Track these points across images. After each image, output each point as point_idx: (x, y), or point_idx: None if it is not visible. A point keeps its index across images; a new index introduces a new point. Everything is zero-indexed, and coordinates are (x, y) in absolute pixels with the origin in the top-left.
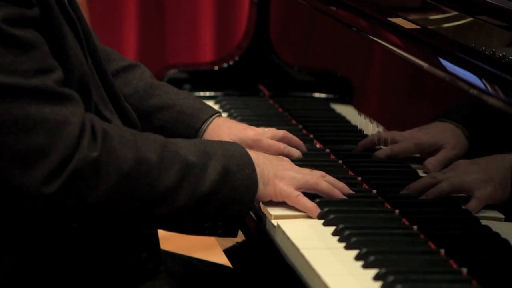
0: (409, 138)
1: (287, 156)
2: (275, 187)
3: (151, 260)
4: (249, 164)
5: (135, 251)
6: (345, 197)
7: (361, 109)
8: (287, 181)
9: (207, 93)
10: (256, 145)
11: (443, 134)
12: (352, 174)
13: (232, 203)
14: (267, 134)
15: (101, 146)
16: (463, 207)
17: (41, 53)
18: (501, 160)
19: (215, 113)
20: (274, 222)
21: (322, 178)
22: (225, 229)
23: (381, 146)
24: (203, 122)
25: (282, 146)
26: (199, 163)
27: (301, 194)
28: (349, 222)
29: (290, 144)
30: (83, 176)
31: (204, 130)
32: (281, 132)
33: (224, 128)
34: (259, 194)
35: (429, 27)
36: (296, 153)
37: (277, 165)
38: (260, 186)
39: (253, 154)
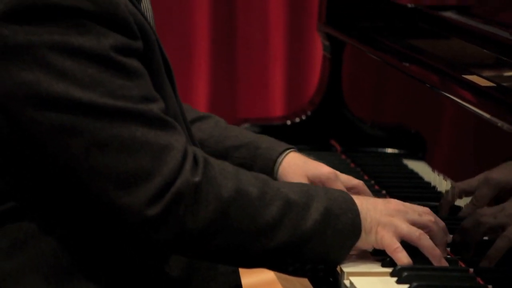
0: (485, 181)
1: None
2: (377, 234)
3: None
4: (353, 210)
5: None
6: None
7: (434, 166)
8: (390, 228)
9: None
10: (330, 183)
11: None
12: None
13: (334, 247)
14: (342, 176)
15: (203, 172)
16: None
17: (146, 82)
18: None
19: (291, 147)
20: (347, 282)
21: (430, 223)
22: (325, 273)
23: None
24: (280, 154)
25: (355, 182)
26: (301, 202)
27: (400, 247)
28: (423, 280)
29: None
30: (184, 200)
31: (280, 162)
32: (356, 181)
33: (300, 161)
34: (361, 240)
35: (503, 84)
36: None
37: (381, 210)
38: (362, 232)
39: (357, 199)
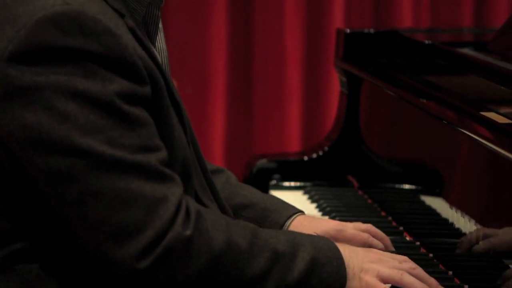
0: (508, 232)
1: (370, 247)
2: (361, 280)
3: None
4: (338, 258)
5: None
6: None
7: (451, 202)
8: (372, 273)
9: (297, 183)
10: (339, 235)
11: None
12: (443, 268)
13: None
14: (350, 225)
15: (194, 225)
16: None
17: (148, 131)
18: None
19: (298, 211)
20: None
21: (411, 270)
22: None
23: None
24: (287, 218)
25: (366, 236)
26: (288, 252)
27: (386, 287)
28: None
29: (374, 237)
30: (175, 253)
31: (288, 227)
32: (365, 225)
33: (306, 223)
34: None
35: None
36: (379, 245)
37: (363, 257)
38: (347, 280)
39: (340, 247)
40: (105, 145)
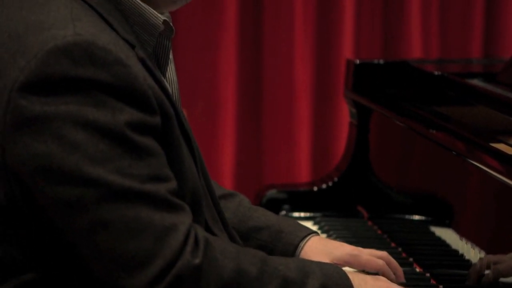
0: None
1: (383, 276)
2: None
3: None
4: (348, 286)
5: None
6: None
7: (461, 233)
8: None
9: (306, 214)
10: (354, 260)
11: None
12: None
13: None
14: (365, 251)
15: (203, 254)
16: None
17: (158, 161)
18: None
19: (312, 232)
20: None
21: None
22: None
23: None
24: (301, 239)
25: (381, 262)
26: (298, 280)
27: None
28: None
29: (388, 266)
30: (185, 281)
31: (302, 247)
32: (380, 252)
33: (320, 245)
34: None
35: None
36: (391, 275)
37: (372, 286)
38: None
39: (349, 275)
40: (114, 174)
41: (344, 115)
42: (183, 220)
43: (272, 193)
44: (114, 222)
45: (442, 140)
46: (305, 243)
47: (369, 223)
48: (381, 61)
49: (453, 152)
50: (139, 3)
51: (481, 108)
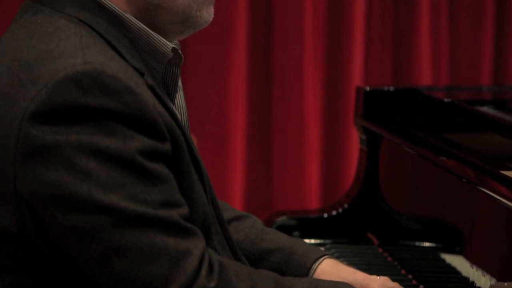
0: None
1: None
2: None
3: None
4: None
5: None
6: None
7: (472, 260)
8: None
9: (317, 241)
10: None
11: None
12: None
13: None
14: (377, 281)
15: (218, 277)
16: None
17: (169, 187)
18: None
19: (325, 254)
20: None
21: None
22: None
23: None
24: (314, 262)
25: (392, 284)
26: None
27: None
28: None
29: None
30: None
31: (315, 270)
32: (393, 283)
33: (333, 269)
34: None
35: None
36: None
37: None
38: None
39: None
40: (127, 201)
41: (354, 141)
42: (197, 244)
43: (282, 219)
44: (128, 248)
45: (452, 167)
46: (318, 265)
47: (380, 250)
48: (391, 88)
49: (463, 179)
50: (147, 31)
51: (491, 135)
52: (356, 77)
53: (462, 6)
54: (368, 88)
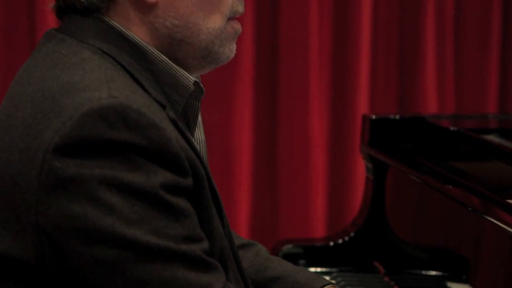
0: None
1: None
2: None
3: None
4: None
5: None
6: None
7: None
8: None
9: (323, 269)
10: None
11: None
12: None
13: None
14: None
15: None
16: None
17: (191, 222)
18: None
19: (329, 283)
20: None
21: None
22: None
23: None
24: None
25: None
26: None
27: None
28: None
29: None
30: None
31: None
32: None
33: None
34: None
35: None
36: None
37: None
38: None
39: None
40: (150, 235)
41: (360, 169)
42: (218, 278)
43: (288, 248)
44: (150, 282)
45: (458, 195)
46: None
47: (386, 278)
48: (397, 117)
49: (469, 208)
50: (170, 63)
51: (497, 164)
52: (362, 105)
53: (468, 34)
54: (374, 117)
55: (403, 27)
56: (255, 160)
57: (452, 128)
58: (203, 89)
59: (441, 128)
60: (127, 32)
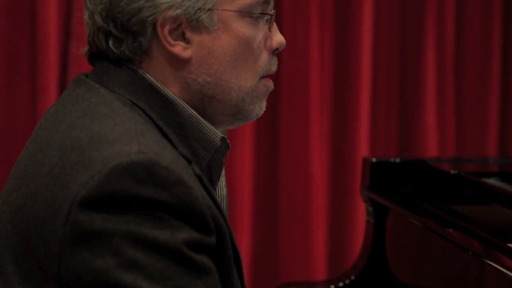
0: None
1: None
2: None
3: None
4: None
5: None
6: None
7: None
8: None
9: None
10: None
11: None
12: None
13: None
14: None
15: None
16: None
17: (213, 280)
18: None
19: None
20: None
21: None
22: None
23: None
24: None
25: None
26: None
27: None
28: None
29: None
30: None
31: None
32: None
33: None
34: None
35: None
36: None
37: None
38: None
39: None
40: None
41: (361, 212)
42: None
43: None
44: None
45: (459, 239)
46: None
47: None
48: (398, 160)
49: (470, 252)
50: (199, 118)
51: (498, 207)
52: (362, 147)
53: (468, 78)
54: (374, 160)
55: (404, 69)
56: (256, 202)
57: (452, 172)
58: (229, 144)
59: (441, 171)
60: (158, 85)
